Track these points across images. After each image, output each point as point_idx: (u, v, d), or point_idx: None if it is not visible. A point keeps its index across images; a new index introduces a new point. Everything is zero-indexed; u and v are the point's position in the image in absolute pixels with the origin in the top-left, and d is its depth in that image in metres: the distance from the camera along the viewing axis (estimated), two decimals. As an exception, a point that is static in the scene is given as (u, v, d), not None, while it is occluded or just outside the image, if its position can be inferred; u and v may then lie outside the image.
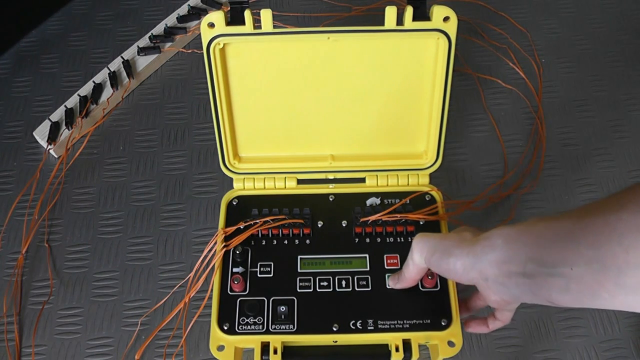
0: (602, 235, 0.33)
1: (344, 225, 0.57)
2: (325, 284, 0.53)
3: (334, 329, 0.51)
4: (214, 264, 0.54)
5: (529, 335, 0.60)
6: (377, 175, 0.59)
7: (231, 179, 0.60)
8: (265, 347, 0.50)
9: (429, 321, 0.51)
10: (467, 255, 0.40)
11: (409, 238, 0.56)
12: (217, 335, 0.51)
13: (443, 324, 0.51)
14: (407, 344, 0.50)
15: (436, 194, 0.58)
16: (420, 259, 0.45)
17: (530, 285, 0.37)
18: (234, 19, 0.50)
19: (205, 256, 0.54)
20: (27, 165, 0.70)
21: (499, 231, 0.39)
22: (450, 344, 0.50)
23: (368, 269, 0.54)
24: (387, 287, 0.53)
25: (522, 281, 0.37)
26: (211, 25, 0.50)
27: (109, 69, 0.75)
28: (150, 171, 0.70)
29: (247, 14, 0.49)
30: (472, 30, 0.81)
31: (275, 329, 0.51)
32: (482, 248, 0.39)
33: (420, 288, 0.53)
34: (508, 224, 0.39)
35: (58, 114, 0.72)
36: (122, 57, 0.76)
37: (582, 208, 0.35)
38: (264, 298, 0.52)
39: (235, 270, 0.54)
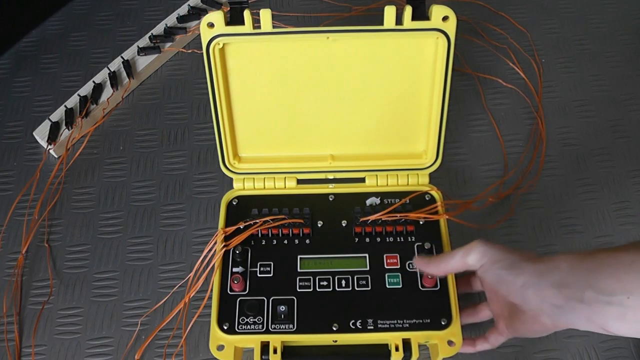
0: None
1: (343, 225, 0.57)
2: (325, 283, 0.53)
3: (334, 329, 0.51)
4: (214, 264, 0.54)
5: (529, 335, 0.60)
6: (376, 175, 0.59)
7: (231, 179, 0.60)
8: (265, 346, 0.50)
9: (428, 321, 0.51)
10: (531, 272, 0.41)
11: (409, 238, 0.56)
12: (217, 335, 0.51)
13: (443, 323, 0.51)
14: (407, 344, 0.50)
15: (436, 194, 0.58)
16: (476, 262, 0.45)
17: (586, 312, 0.38)
18: (234, 19, 0.50)
19: (205, 256, 0.54)
20: (27, 165, 0.70)
21: (564, 255, 0.40)
22: (450, 343, 0.50)
23: (368, 268, 0.54)
24: (412, 262, 0.53)
25: (579, 307, 0.38)
26: (211, 25, 0.50)
27: (109, 69, 0.75)
28: (150, 171, 0.70)
29: (247, 14, 0.49)
30: (472, 30, 0.80)
31: (275, 328, 0.51)
32: (547, 269, 0.40)
33: (420, 288, 0.53)
34: (572, 251, 0.40)
35: (58, 114, 0.72)
36: (122, 57, 0.76)
37: None
38: (264, 298, 0.52)
39: (235, 270, 0.54)
